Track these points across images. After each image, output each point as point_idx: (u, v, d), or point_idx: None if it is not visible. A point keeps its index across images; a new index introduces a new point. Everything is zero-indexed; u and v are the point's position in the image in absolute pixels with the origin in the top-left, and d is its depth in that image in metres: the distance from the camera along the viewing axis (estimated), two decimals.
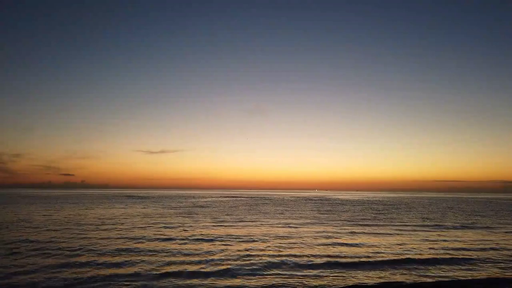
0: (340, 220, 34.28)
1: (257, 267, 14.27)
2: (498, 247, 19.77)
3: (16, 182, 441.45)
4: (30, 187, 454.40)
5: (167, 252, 16.83)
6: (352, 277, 13.14)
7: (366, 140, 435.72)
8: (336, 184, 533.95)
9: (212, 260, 15.40)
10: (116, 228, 25.81)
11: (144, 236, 21.63)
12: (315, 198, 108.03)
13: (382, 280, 12.64)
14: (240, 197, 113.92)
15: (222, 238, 21.27)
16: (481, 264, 15.44)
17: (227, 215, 38.97)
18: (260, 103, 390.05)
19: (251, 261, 15.18)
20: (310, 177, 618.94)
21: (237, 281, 12.42)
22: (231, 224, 29.68)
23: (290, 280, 12.54)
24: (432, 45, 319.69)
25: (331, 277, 13.05)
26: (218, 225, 28.36)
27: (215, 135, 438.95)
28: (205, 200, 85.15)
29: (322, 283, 12.29)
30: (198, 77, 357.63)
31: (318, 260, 15.55)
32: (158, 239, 20.78)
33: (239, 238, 21.58)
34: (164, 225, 28.03)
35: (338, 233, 24.56)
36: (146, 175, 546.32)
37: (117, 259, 15.21)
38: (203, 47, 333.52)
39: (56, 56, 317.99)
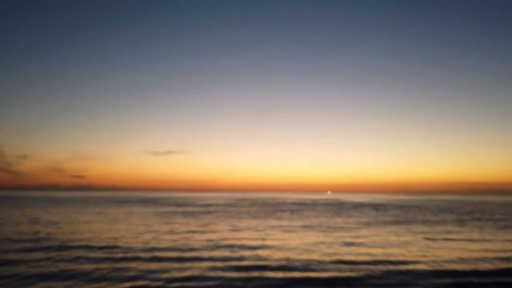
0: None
1: None
2: None
3: (23, 184, 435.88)
4: (37, 189, 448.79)
5: None
6: None
7: (381, 140, 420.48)
8: (350, 186, 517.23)
9: None
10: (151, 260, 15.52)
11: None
12: (345, 203, 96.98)
13: None
14: (254, 199, 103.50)
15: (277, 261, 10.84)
16: None
17: (256, 229, 28.50)
18: (268, 101, 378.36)
19: None
20: (322, 179, 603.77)
21: None
22: (273, 239, 19.29)
23: None
24: (450, 42, 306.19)
25: None
26: (257, 240, 17.96)
27: (223, 135, 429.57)
28: (226, 204, 74.91)
29: None
30: (204, 76, 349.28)
31: None
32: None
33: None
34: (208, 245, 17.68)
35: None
36: (153, 177, 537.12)
37: None
38: (210, 46, 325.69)
39: (61, 57, 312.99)
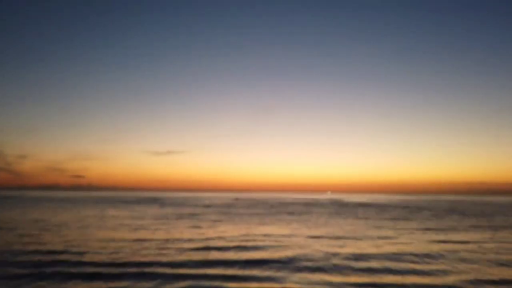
0: None
1: None
2: None
3: (23, 183, 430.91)
4: (37, 189, 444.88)
5: None
6: None
7: (381, 140, 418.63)
8: (350, 186, 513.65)
9: None
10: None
11: None
12: (349, 203, 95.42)
13: None
14: (255, 199, 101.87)
15: None
16: None
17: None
18: (268, 101, 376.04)
19: None
20: (322, 179, 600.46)
21: None
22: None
23: None
24: (450, 42, 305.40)
25: None
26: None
27: (223, 135, 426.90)
28: (229, 204, 73.23)
29: None
30: (204, 76, 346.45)
31: None
32: None
33: None
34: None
35: None
36: (153, 177, 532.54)
37: None
38: (211, 47, 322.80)
39: (61, 57, 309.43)
